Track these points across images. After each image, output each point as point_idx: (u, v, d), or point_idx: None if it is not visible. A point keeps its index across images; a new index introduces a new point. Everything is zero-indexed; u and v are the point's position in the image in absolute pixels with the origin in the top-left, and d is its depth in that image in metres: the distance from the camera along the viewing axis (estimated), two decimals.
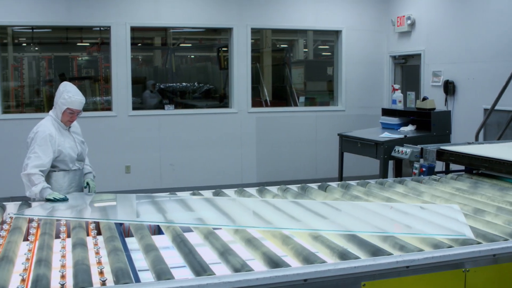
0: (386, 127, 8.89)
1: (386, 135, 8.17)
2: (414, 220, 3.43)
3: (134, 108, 10.41)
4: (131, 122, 10.22)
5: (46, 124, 4.93)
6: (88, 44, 13.29)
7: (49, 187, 4.58)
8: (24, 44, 12.75)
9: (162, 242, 3.18)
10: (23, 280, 2.58)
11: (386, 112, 9.27)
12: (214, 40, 13.76)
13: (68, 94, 4.88)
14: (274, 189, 4.28)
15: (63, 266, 2.75)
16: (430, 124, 8.18)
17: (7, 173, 9.68)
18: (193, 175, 10.48)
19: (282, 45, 14.22)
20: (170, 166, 10.46)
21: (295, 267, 2.56)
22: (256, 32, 11.84)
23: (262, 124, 10.88)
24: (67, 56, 13.07)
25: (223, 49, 12.26)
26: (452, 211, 3.52)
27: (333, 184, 4.40)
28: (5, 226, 3.35)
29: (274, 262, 2.61)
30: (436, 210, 3.61)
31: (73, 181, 4.95)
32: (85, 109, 11.82)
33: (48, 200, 4.37)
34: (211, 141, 10.62)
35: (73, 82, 12.21)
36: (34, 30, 11.86)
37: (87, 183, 5.06)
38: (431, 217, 3.46)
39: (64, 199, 4.41)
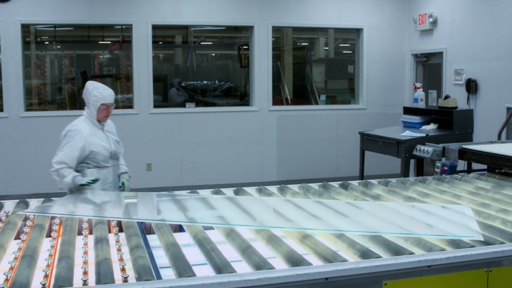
0: (407, 125, 8.84)
1: (408, 134, 8.13)
2: (420, 220, 3.40)
3: (155, 106, 10.45)
4: (153, 120, 10.26)
5: (78, 123, 5.04)
6: (109, 42, 13.38)
7: (79, 175, 4.67)
8: (47, 43, 12.86)
9: (183, 239, 3.18)
10: (46, 276, 2.60)
11: (408, 110, 9.22)
12: (235, 38, 13.78)
13: (98, 90, 5.01)
14: (295, 187, 4.28)
15: (85, 262, 2.77)
16: (452, 123, 8.12)
17: (30, 170, 9.78)
18: (214, 173, 10.51)
19: (302, 43, 14.20)
20: (191, 164, 10.49)
21: (316, 266, 2.55)
22: (277, 30, 11.83)
23: (283, 122, 10.87)
24: (89, 54, 13.16)
25: (243, 47, 12.26)
26: (462, 212, 3.49)
27: (354, 183, 4.39)
28: (28, 223, 3.38)
29: (295, 260, 2.61)
30: (445, 211, 3.58)
31: (107, 177, 5.01)
32: None
33: (81, 185, 4.53)
34: (232, 139, 10.64)
35: (95, 80, 12.34)
36: (57, 29, 11.96)
37: (122, 183, 5.13)
38: (439, 218, 3.43)
39: (96, 180, 4.60)
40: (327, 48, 13.94)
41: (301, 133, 11.01)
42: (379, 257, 2.67)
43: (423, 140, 7.59)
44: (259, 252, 2.72)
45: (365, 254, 2.70)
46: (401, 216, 3.48)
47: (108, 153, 5.02)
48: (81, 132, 4.91)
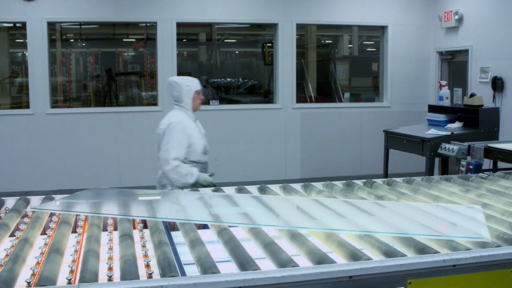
0: (432, 123, 8.78)
1: (433, 132, 8.08)
2: (430, 219, 3.36)
3: None
4: None
5: (176, 115, 5.17)
6: (134, 39, 13.46)
7: (201, 174, 5.01)
8: (72, 40, 12.98)
9: (207, 236, 3.19)
10: (71, 271, 2.62)
11: (433, 108, 9.16)
12: (259, 36, 13.79)
13: (187, 80, 5.27)
14: (319, 185, 4.27)
15: (110, 258, 2.79)
16: (477, 121, 8.05)
17: (55, 166, 9.87)
18: (237, 171, 10.53)
19: (327, 41, 14.17)
20: (215, 161, 10.51)
21: (340, 264, 2.54)
22: (301, 28, 11.82)
23: (307, 120, 10.85)
24: (114, 52, 13.26)
25: (267, 44, 12.26)
26: (472, 212, 3.44)
27: (379, 181, 4.36)
28: (54, 218, 3.42)
29: (319, 258, 2.60)
30: (455, 211, 3.54)
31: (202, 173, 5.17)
32: (131, 104, 12.04)
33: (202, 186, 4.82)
34: (256, 136, 10.65)
35: (119, 77, 12.44)
36: (82, 26, 12.05)
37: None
38: (448, 218, 3.38)
39: (212, 175, 5.14)
40: (351, 45, 13.90)
41: (325, 131, 10.99)
42: (403, 255, 2.66)
43: (448, 139, 7.54)
44: (283, 250, 2.72)
45: (390, 252, 2.69)
46: (406, 216, 3.44)
47: (202, 146, 5.15)
48: (182, 124, 5.05)
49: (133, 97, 12.28)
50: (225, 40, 14.57)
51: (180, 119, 5.12)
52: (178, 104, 5.26)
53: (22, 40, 11.20)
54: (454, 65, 11.28)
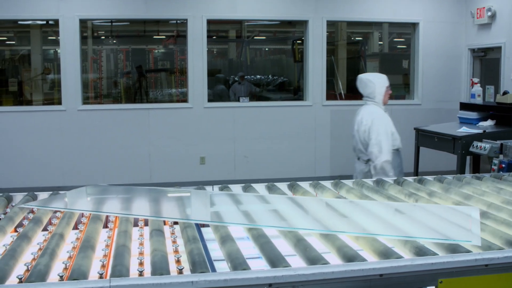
0: (464, 121, 8.69)
1: (464, 130, 7.99)
2: (413, 222, 3.28)
3: (209, 100, 10.53)
4: (206, 114, 10.35)
5: (375, 110, 5.60)
6: (164, 36, 13.52)
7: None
8: (103, 37, 13.08)
9: (237, 233, 3.20)
10: (103, 266, 2.65)
11: (465, 106, 9.07)
12: (288, 33, 13.77)
13: (376, 77, 5.69)
14: (349, 182, 4.25)
15: (141, 253, 2.81)
16: (510, 119, 7.95)
17: (86, 162, 9.98)
18: (266, 167, 10.54)
19: (357, 38, 14.10)
20: (244, 158, 10.53)
21: (371, 262, 2.53)
22: (331, 25, 11.77)
23: (337, 117, 10.81)
24: (144, 49, 13.34)
25: (297, 41, 12.24)
26: (468, 214, 3.36)
27: (409, 179, 4.33)
28: (86, 213, 3.45)
29: (349, 256, 2.59)
30: (449, 212, 3.47)
31: (395, 161, 5.39)
32: (161, 100, 12.11)
33: None
34: (285, 133, 10.64)
35: (150, 74, 12.53)
36: (113, 24, 12.15)
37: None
38: (440, 219, 3.29)
39: None
40: (382, 42, 13.81)
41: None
42: (435, 254, 2.64)
43: (480, 137, 7.45)
44: (314, 247, 2.71)
45: (421, 251, 2.67)
46: (399, 216, 3.38)
47: (398, 134, 5.51)
48: (383, 116, 5.36)
49: (163, 94, 12.37)
50: (255, 37, 14.57)
51: (380, 113, 5.60)
52: (371, 100, 5.70)
53: (54, 38, 11.33)
54: (487, 62, 11.15)
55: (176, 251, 2.81)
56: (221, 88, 12.56)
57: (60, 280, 2.45)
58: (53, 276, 2.51)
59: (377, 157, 5.32)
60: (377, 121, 5.53)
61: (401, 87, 12.37)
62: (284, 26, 13.36)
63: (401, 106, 11.26)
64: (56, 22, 9.93)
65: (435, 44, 11.27)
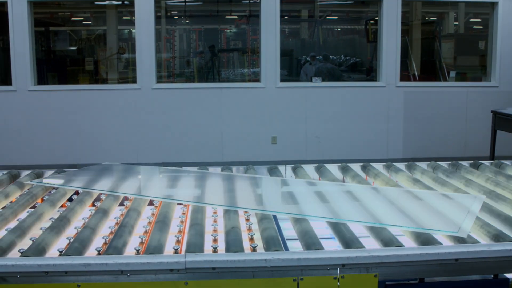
0: None
1: None
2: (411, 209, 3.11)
3: (282, 80, 10.52)
4: (279, 94, 10.34)
5: None
6: (236, 16, 13.56)
7: None
8: (176, 17, 13.21)
9: None
10: (178, 241, 2.71)
11: None
12: (361, 13, 13.59)
13: None
14: (423, 165, 4.19)
15: (215, 230, 2.86)
16: None
17: (160, 140, 10.15)
18: (338, 148, 10.47)
19: (431, 18, 13.80)
20: (316, 138, 10.49)
21: (447, 246, 2.50)
22: (406, 5, 11.52)
23: (410, 99, 10.61)
24: (216, 29, 13.40)
25: (370, 21, 12.07)
26: (465, 203, 3.17)
27: (486, 163, 4.23)
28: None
29: (424, 239, 2.56)
30: (443, 200, 3.30)
31: None
32: (234, 80, 12.17)
33: None
34: (357, 114, 10.53)
35: (222, 54, 12.59)
36: (186, 3, 12.25)
37: None
38: (429, 208, 3.13)
39: None
40: (457, 23, 13.46)
41: (428, 110, 10.72)
42: None
43: None
44: (388, 229, 2.69)
45: (498, 236, 2.61)
46: (387, 202, 3.23)
47: None
48: None
49: (235, 73, 12.43)
50: (328, 17, 14.44)
51: None
52: None
53: (129, 18, 11.52)
54: None
55: (249, 229, 2.84)
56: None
57: (137, 254, 2.52)
58: (129, 250, 2.58)
59: None
60: None
61: (477, 69, 12.03)
62: (357, 5, 13.20)
63: (477, 89, 10.96)
64: (132, 2, 10.09)
65: None
